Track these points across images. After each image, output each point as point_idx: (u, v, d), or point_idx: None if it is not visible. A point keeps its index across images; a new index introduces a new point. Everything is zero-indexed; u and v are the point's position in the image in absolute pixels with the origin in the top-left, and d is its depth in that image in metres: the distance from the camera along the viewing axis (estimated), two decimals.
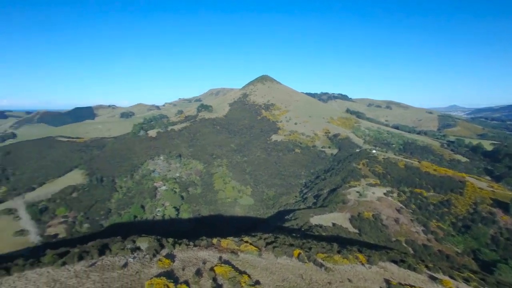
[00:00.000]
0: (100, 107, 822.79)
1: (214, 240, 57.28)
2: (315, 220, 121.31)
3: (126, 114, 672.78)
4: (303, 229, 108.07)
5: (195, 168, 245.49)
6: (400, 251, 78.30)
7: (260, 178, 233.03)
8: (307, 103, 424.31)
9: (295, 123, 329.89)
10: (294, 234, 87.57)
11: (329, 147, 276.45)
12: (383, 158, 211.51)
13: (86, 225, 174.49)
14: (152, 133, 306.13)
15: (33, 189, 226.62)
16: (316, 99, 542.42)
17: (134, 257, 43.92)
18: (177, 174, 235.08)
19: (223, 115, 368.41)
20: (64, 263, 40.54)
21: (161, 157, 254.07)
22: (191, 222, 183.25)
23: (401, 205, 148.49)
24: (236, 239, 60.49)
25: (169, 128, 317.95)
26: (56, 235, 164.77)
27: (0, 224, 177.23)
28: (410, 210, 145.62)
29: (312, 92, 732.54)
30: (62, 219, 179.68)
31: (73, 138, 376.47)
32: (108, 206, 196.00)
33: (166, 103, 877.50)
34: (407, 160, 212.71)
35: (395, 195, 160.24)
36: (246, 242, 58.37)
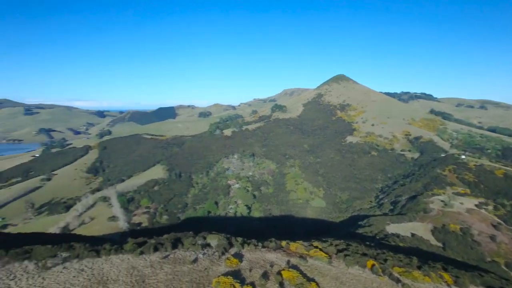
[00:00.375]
0: (181, 107, 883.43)
1: (283, 243, 55.65)
2: (392, 228, 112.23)
3: (204, 114, 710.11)
4: (377, 238, 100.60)
5: (267, 167, 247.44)
6: (498, 276, 67.46)
7: (333, 181, 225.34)
8: (386, 103, 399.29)
9: (372, 125, 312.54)
10: (367, 243, 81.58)
11: (409, 151, 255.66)
12: (474, 165, 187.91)
13: (165, 217, 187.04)
14: (227, 132, 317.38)
15: (123, 180, 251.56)
16: (396, 99, 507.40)
17: (204, 254, 44.49)
18: (250, 173, 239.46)
19: (297, 115, 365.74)
20: (141, 252, 42.71)
21: (235, 156, 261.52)
22: (262, 221, 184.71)
23: (498, 220, 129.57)
24: (305, 243, 58.09)
25: (244, 127, 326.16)
26: (140, 223, 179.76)
27: (99, 209, 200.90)
28: None
29: (392, 91, 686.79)
30: (145, 210, 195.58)
31: (156, 135, 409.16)
32: (185, 201, 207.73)
33: (241, 103, 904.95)
34: (508, 168, 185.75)
35: (490, 207, 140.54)
36: (316, 247, 55.63)
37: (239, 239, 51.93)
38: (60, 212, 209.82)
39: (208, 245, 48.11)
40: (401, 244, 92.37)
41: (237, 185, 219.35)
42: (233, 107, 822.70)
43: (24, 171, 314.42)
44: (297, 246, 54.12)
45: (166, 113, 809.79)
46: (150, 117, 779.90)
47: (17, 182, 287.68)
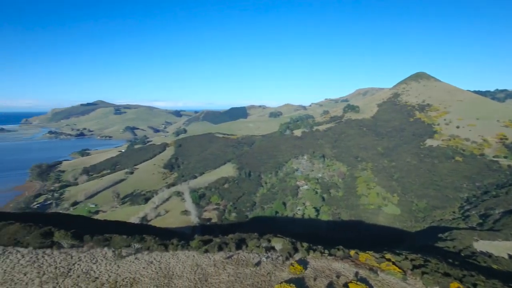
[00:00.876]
0: (252, 107, 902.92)
1: (352, 252, 51.77)
2: (481, 245, 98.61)
3: (274, 114, 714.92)
4: (462, 255, 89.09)
5: (338, 170, 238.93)
6: None
7: (409, 187, 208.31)
8: (475, 103, 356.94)
9: (457, 127, 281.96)
10: (450, 260, 72.20)
11: (505, 157, 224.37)
12: None
13: (233, 214, 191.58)
14: (298, 132, 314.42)
15: (195, 177, 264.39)
16: (489, 97, 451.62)
17: (268, 257, 43.19)
18: (320, 175, 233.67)
19: (370, 116, 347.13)
20: (206, 251, 43.03)
21: (305, 157, 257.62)
22: (330, 225, 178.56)
23: None
24: (376, 254, 53.27)
25: (314, 128, 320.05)
26: (209, 219, 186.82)
27: (173, 203, 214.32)
28: None
29: (483, 89, 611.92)
30: (215, 206, 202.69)
31: (228, 134, 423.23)
32: (254, 199, 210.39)
33: (312, 103, 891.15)
34: None
35: None
36: (389, 260, 50.55)
37: (305, 244, 49.57)
38: (140, 203, 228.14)
39: (273, 248, 46.75)
40: (494, 267, 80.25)
41: (305, 187, 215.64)
42: (304, 107, 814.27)
43: (112, 165, 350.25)
44: (367, 257, 49.84)
45: (237, 113, 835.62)
46: (223, 116, 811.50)
47: (107, 174, 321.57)
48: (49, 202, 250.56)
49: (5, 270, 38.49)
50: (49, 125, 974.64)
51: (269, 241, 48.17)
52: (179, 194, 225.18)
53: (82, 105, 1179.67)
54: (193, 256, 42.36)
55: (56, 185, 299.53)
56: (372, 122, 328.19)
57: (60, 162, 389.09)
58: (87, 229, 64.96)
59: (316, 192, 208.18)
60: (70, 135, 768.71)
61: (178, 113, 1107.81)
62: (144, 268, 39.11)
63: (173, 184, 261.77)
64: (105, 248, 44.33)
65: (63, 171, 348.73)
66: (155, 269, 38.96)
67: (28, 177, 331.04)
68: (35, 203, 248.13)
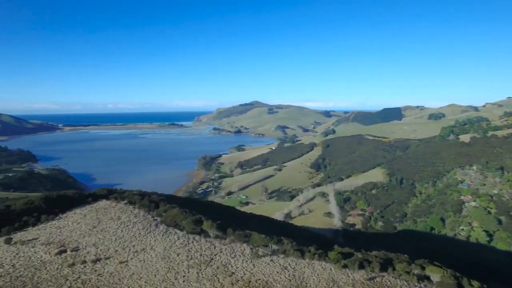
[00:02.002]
0: (408, 107, 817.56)
1: None
2: None
3: (435, 116, 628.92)
4: None
5: None
6: None
7: None
8: None
9: None
10: None
11: None
12: None
13: (380, 223, 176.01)
14: (465, 138, 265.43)
15: (341, 179, 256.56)
16: None
17: None
18: (495, 191, 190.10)
19: None
20: (345, 266, 38.10)
21: (474, 167, 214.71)
22: (509, 257, 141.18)
23: None
24: None
25: (489, 133, 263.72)
26: (353, 225, 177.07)
27: (317, 203, 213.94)
28: None
29: None
30: (360, 212, 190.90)
31: (379, 137, 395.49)
32: (404, 210, 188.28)
33: (487, 103, 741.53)
34: None
35: None
36: None
37: (475, 283, 38.12)
38: (285, 200, 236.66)
39: (427, 278, 37.84)
40: None
41: (473, 203, 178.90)
42: (475, 108, 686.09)
43: (263, 161, 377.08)
44: None
45: (391, 114, 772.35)
46: (374, 117, 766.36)
47: (258, 169, 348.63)
48: (210, 189, 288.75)
49: (165, 247, 43.47)
50: (213, 123, 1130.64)
51: (423, 268, 39.27)
52: (323, 195, 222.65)
53: (240, 105, 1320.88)
54: (330, 269, 38.20)
55: (216, 175, 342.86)
56: None
57: (220, 155, 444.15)
58: (232, 221, 69.34)
59: (489, 212, 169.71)
60: (230, 131, 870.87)
61: (327, 113, 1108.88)
62: (277, 272, 37.43)
63: (318, 184, 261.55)
64: (244, 244, 45.03)
65: (222, 163, 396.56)
66: (289, 276, 36.72)
67: (196, 166, 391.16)
68: (199, 189, 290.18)
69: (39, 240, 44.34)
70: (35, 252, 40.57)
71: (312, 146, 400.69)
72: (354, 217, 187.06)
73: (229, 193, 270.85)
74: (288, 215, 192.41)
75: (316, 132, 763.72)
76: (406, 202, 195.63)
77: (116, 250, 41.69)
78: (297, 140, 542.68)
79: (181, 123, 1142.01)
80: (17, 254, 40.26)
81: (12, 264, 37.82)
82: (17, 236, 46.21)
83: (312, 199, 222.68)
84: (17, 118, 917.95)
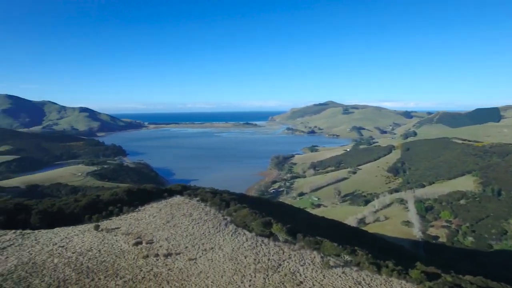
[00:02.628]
0: (509, 107, 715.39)
1: None
2: None
3: None
4: None
5: None
6: None
7: None
8: None
9: None
10: None
11: None
12: None
13: (470, 239, 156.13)
14: None
15: (423, 186, 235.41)
16: None
17: None
18: None
19: None
20: None
21: None
22: None
23: None
24: None
25: None
26: (436, 237, 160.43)
27: (394, 210, 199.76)
28: None
29: None
30: (445, 223, 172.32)
31: (469, 141, 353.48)
32: (503, 227, 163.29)
33: None
34: None
35: None
36: None
37: None
38: (359, 204, 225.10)
39: None
40: None
41: None
42: None
43: (337, 162, 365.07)
44: None
45: (486, 114, 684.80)
46: (463, 119, 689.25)
47: (331, 170, 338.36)
48: (281, 189, 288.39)
49: (233, 248, 43.15)
50: (287, 122, 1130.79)
51: None
52: (402, 201, 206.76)
53: (314, 105, 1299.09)
54: None
55: (288, 175, 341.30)
56: None
57: (293, 155, 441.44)
58: (303, 224, 66.99)
59: None
60: (303, 132, 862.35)
61: (408, 114, 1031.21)
62: (350, 287, 34.25)
63: (396, 190, 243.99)
64: (315, 252, 42.50)
65: (295, 164, 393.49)
66: None
67: (268, 165, 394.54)
68: (271, 188, 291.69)
69: (120, 230, 47.60)
70: (116, 241, 43.49)
71: (390, 148, 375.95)
72: (437, 228, 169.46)
73: (301, 194, 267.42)
74: (361, 220, 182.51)
75: (395, 134, 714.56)
76: (506, 217, 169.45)
77: (186, 247, 42.54)
78: (374, 142, 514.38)
79: (255, 122, 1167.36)
80: (102, 240, 43.62)
81: (98, 249, 40.98)
82: (104, 223, 50.37)
83: (388, 205, 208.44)
84: (112, 117, 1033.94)
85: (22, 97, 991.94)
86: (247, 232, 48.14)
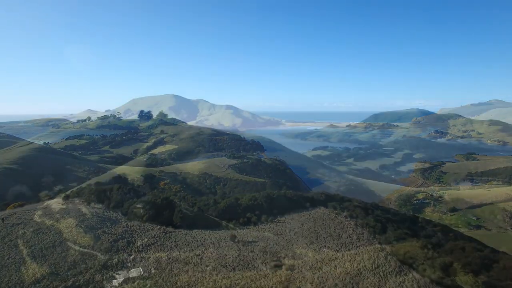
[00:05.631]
0: None
1: None
2: None
3: None
4: None
5: None
6: None
7: None
8: None
9: None
10: None
11: None
12: None
13: None
14: None
15: None
16: None
17: None
18: None
19: None
20: None
21: None
22: None
23: None
24: None
25: None
26: None
27: None
28: None
29: None
30: None
31: None
32: None
33: None
34: None
35: None
36: None
37: None
38: None
39: None
40: None
41: None
42: None
43: (506, 176, 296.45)
44: None
45: None
46: None
47: (497, 185, 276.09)
48: (427, 201, 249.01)
49: None
50: (435, 124, 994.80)
51: None
52: None
53: (472, 105, 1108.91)
54: None
55: (436, 185, 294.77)
56: None
57: (443, 163, 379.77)
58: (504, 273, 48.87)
59: None
60: (456, 136, 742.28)
61: None
62: None
63: None
64: None
65: (445, 172, 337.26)
66: None
67: (411, 172, 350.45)
68: (414, 199, 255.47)
69: (258, 245, 41.10)
70: (253, 259, 37.34)
71: None
72: None
73: (453, 210, 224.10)
74: None
75: None
76: None
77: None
78: None
79: (397, 123, 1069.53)
80: (238, 255, 37.96)
81: (232, 266, 35.60)
82: (240, 233, 44.56)
83: None
84: (252, 114, 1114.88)
85: (183, 96, 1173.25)
86: (416, 275, 34.92)
